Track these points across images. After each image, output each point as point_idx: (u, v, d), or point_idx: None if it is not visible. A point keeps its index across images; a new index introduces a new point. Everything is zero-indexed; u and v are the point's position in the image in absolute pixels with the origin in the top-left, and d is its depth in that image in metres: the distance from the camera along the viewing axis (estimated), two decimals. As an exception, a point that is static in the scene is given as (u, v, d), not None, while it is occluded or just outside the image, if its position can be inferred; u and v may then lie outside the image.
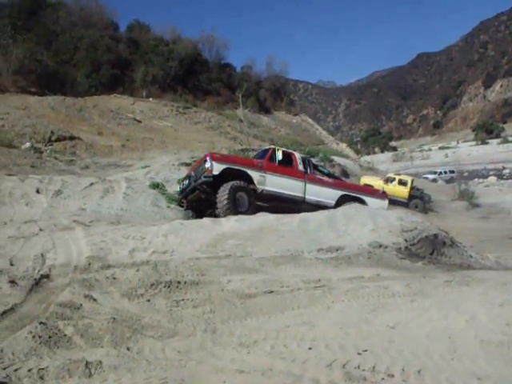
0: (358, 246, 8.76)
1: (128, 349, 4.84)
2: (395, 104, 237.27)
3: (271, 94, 68.66)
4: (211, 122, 40.89)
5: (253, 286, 6.28)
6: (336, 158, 37.15)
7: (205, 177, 12.18)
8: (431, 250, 9.69)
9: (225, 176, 12.29)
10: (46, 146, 23.21)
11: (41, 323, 5.31)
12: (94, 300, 6.13)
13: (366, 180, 37.42)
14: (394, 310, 5.50)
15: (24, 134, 24.02)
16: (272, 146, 14.72)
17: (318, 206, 13.47)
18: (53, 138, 24.29)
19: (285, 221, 10.16)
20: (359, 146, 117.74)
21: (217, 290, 6.24)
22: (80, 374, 4.38)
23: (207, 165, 12.24)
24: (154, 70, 48.60)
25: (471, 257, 10.61)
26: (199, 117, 41.52)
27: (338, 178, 16.64)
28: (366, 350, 4.35)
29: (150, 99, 42.66)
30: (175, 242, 8.48)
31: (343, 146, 67.88)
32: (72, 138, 25.12)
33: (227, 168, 12.43)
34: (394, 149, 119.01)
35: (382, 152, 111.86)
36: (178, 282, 6.46)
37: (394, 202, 34.74)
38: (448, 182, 50.99)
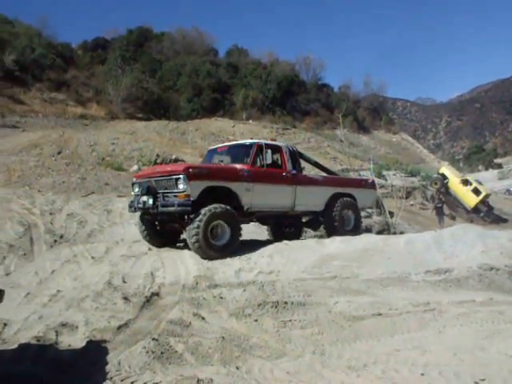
0: (467, 268, 8.38)
1: (237, 368, 4.90)
2: (500, 119, 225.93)
3: (369, 114, 68.01)
4: (310, 143, 41.00)
5: (360, 308, 6.18)
6: (438, 177, 35.99)
7: (180, 205, 9.07)
8: (548, 274, 9.09)
9: (202, 196, 9.36)
10: (152, 168, 24.21)
11: (153, 339, 5.51)
12: (203, 318, 6.28)
13: (444, 170, 36.05)
14: (511, 337, 5.21)
15: (132, 157, 25.26)
16: (255, 141, 11.20)
17: (303, 214, 12.00)
18: (158, 161, 25.30)
19: (390, 242, 9.94)
20: (461, 164, 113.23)
21: (324, 312, 6.19)
22: (192, 391, 4.49)
23: (182, 186, 9.19)
24: (253, 93, 49.56)
25: None
26: (298, 137, 41.77)
27: (325, 169, 13.58)
28: (483, 380, 4.14)
29: (250, 121, 43.49)
30: (280, 263, 8.54)
31: (445, 164, 65.79)
32: (176, 160, 26.00)
33: (207, 187, 9.40)
34: (500, 166, 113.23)
35: (487, 170, 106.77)
36: (285, 303, 6.48)
37: (456, 204, 33.63)
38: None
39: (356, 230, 12.05)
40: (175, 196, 9.27)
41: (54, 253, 10.49)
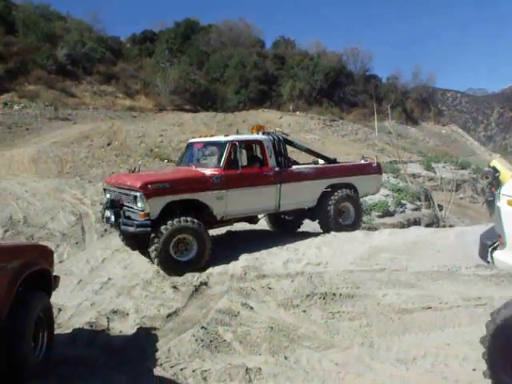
0: (521, 262, 8.14)
1: (285, 358, 4.94)
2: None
3: (418, 105, 66.59)
4: (358, 135, 40.50)
5: (409, 301, 6.11)
6: (490, 170, 35.15)
7: (139, 226, 8.35)
8: None
9: (166, 210, 8.57)
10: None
11: (202, 328, 5.60)
12: (251, 308, 6.34)
13: (496, 163, 34.95)
14: None
15: (180, 148, 25.47)
16: (230, 138, 9.73)
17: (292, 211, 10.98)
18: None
19: (440, 235, 9.77)
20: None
21: (372, 304, 6.15)
22: (240, 379, 4.55)
23: (140, 205, 8.32)
24: (300, 85, 49.24)
25: None
26: (346, 129, 41.30)
27: (321, 156, 12.04)
28: (539, 377, 4.04)
29: (297, 113, 43.24)
30: (328, 254, 8.49)
31: (497, 157, 63.99)
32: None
33: (170, 202, 8.57)
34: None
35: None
36: (333, 294, 6.47)
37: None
38: None
39: (356, 224, 11.00)
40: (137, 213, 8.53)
41: (104, 242, 10.74)
